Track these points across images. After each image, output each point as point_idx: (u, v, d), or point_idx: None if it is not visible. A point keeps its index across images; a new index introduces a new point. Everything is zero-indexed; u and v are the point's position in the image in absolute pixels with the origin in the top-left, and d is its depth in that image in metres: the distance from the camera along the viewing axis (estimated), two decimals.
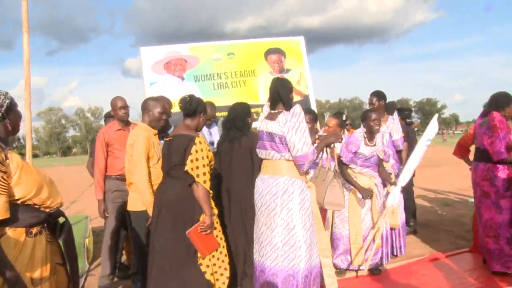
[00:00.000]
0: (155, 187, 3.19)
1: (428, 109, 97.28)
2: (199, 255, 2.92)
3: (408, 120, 5.84)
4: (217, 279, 3.00)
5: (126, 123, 3.93)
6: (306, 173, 3.19)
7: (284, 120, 2.97)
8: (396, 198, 3.97)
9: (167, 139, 3.10)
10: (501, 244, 3.74)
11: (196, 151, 2.90)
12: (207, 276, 2.92)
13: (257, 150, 3.19)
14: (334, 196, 3.23)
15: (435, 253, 4.48)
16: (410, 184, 5.61)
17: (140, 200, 3.24)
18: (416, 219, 5.56)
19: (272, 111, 3.12)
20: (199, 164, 2.89)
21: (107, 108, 4.23)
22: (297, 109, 2.99)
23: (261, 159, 3.21)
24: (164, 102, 3.99)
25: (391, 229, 4.34)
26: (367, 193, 3.90)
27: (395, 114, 5.03)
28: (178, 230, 2.92)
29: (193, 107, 3.06)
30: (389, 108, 5.80)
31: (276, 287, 2.96)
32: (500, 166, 3.75)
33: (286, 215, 2.96)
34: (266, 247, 3.03)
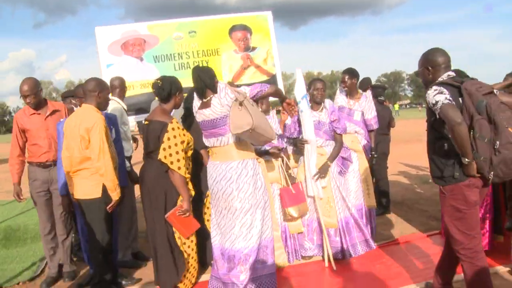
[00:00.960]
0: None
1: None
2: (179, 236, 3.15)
3: (379, 98, 5.57)
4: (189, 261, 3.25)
5: (38, 105, 3.55)
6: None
7: (218, 101, 2.97)
8: (315, 187, 3.69)
9: (145, 122, 3.20)
10: None
11: (169, 139, 2.98)
12: (185, 255, 3.19)
13: (204, 140, 3.14)
14: (238, 118, 2.91)
15: (403, 236, 4.33)
16: (383, 164, 5.43)
17: (90, 186, 3.07)
18: (389, 199, 5.40)
19: (204, 100, 3.04)
20: (172, 151, 2.98)
21: None
22: (221, 85, 3.03)
23: (208, 147, 3.18)
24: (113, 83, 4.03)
25: (370, 208, 4.24)
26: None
27: (369, 92, 4.77)
28: (159, 210, 3.11)
29: (167, 91, 3.09)
30: (363, 84, 5.56)
31: (235, 267, 3.00)
32: None
33: (243, 198, 2.99)
34: (226, 230, 3.05)
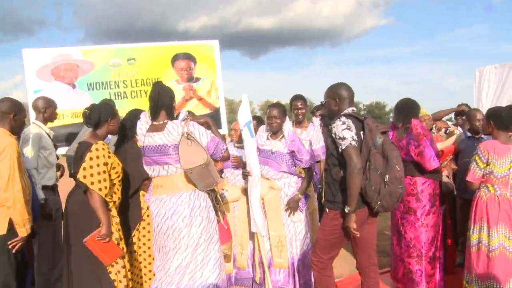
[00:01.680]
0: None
1: (377, 112, 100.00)
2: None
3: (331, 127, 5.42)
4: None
5: None
6: None
7: (176, 128, 2.71)
8: (258, 223, 3.36)
9: (76, 146, 3.01)
10: (424, 264, 3.43)
11: (91, 158, 2.78)
12: (116, 284, 2.83)
13: (146, 168, 2.81)
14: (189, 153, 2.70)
15: (354, 274, 4.07)
16: None
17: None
18: None
19: (155, 123, 2.77)
20: (93, 171, 2.77)
21: None
22: (183, 114, 2.81)
23: (150, 179, 2.88)
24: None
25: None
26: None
27: (316, 120, 4.60)
28: (81, 239, 2.80)
29: (94, 120, 2.93)
30: (315, 111, 5.39)
31: None
32: (427, 180, 3.43)
33: (196, 233, 2.71)
34: (175, 271, 2.72)
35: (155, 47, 4.83)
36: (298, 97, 4.29)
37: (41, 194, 3.41)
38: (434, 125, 4.71)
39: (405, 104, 3.56)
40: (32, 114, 3.81)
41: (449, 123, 5.65)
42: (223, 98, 4.97)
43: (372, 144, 2.64)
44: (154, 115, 2.77)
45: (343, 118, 2.68)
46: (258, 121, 4.04)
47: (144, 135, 2.76)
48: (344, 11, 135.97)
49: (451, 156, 3.56)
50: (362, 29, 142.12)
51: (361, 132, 2.70)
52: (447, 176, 4.13)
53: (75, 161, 2.90)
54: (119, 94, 4.47)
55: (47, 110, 3.67)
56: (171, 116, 2.80)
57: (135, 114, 3.18)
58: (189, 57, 4.84)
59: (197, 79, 4.86)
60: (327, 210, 2.82)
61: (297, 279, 3.47)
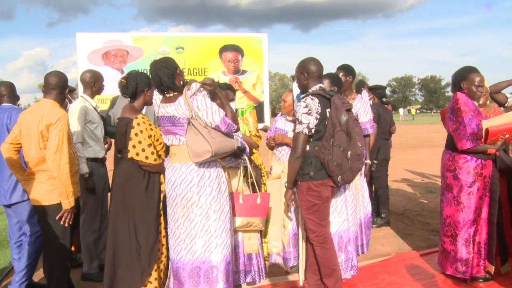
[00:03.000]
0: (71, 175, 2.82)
1: (432, 86, 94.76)
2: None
3: (384, 100, 5.16)
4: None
5: None
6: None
7: (185, 101, 2.68)
8: None
9: (117, 120, 3.01)
10: (458, 246, 3.22)
11: (136, 134, 2.80)
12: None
13: (163, 137, 2.87)
14: (196, 145, 2.66)
15: (402, 253, 4.00)
16: (383, 171, 5.09)
17: (46, 192, 2.79)
18: (389, 210, 5.04)
19: (167, 95, 2.79)
20: (143, 146, 2.80)
21: None
22: (194, 88, 2.71)
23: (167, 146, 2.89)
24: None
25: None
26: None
27: (364, 92, 4.42)
28: (127, 213, 2.83)
29: (132, 90, 2.92)
30: (358, 86, 5.20)
31: (198, 281, 2.69)
32: (468, 157, 3.17)
33: (205, 203, 2.69)
34: (184, 240, 2.72)
35: (203, 37, 4.83)
36: (339, 67, 4.02)
37: (85, 169, 3.38)
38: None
39: (455, 74, 3.30)
40: (80, 88, 3.80)
41: (509, 95, 5.21)
42: (268, 93, 4.89)
43: (337, 122, 2.74)
44: (161, 91, 2.79)
45: (308, 100, 2.78)
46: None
47: (158, 106, 2.80)
48: None
49: (507, 135, 3.23)
50: None
51: (327, 110, 2.79)
52: (504, 150, 3.80)
53: (118, 137, 2.91)
54: None
55: (95, 84, 3.61)
56: (176, 90, 2.75)
57: None
58: (237, 49, 4.79)
59: (244, 72, 4.82)
60: (298, 184, 2.89)
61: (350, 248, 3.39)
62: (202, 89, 2.71)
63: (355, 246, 3.53)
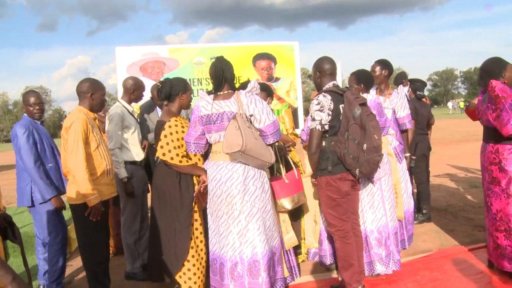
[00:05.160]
0: (96, 176, 2.91)
1: (476, 79, 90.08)
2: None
3: (418, 93, 4.93)
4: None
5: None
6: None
7: (244, 98, 2.73)
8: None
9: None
10: None
11: (165, 136, 2.86)
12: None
13: (207, 136, 2.84)
14: (232, 137, 2.64)
15: (444, 249, 3.81)
16: (423, 166, 4.88)
17: (74, 191, 2.86)
18: (430, 205, 4.83)
19: (221, 92, 2.80)
20: (170, 147, 2.85)
21: None
22: (252, 84, 2.81)
23: (211, 145, 2.89)
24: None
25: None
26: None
27: (400, 87, 4.26)
28: (166, 211, 2.95)
29: (166, 93, 3.01)
30: (398, 78, 5.03)
31: (242, 275, 2.72)
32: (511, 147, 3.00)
33: (249, 201, 2.71)
34: (227, 237, 2.74)
35: (237, 46, 4.90)
36: (375, 62, 3.88)
37: (123, 173, 3.41)
38: None
39: (486, 64, 3.15)
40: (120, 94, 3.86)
41: None
42: (301, 99, 4.88)
43: (351, 116, 2.75)
44: (218, 88, 2.79)
45: (320, 97, 2.80)
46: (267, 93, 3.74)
47: (211, 103, 2.76)
48: None
49: None
50: None
51: (341, 106, 2.81)
52: None
53: (155, 139, 3.00)
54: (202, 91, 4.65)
55: (135, 92, 3.66)
56: (234, 88, 2.82)
57: None
58: (269, 57, 4.82)
59: (277, 79, 4.83)
60: (317, 179, 2.90)
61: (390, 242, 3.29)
62: (257, 88, 2.78)
63: (395, 241, 3.42)
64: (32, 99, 3.37)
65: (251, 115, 2.70)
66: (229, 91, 2.79)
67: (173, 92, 3.03)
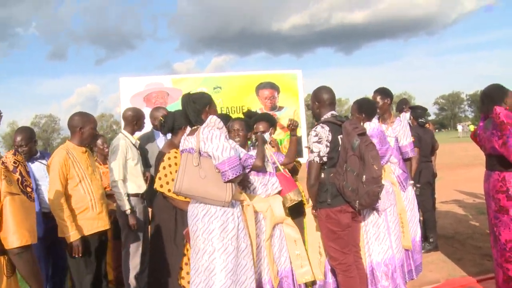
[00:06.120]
0: (78, 211, 2.86)
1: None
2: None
3: (420, 120, 4.92)
4: None
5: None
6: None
7: (201, 133, 2.61)
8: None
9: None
10: None
11: (164, 168, 2.88)
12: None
13: None
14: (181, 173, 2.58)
15: (452, 279, 3.72)
16: (427, 194, 4.83)
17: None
18: (436, 234, 4.75)
19: (192, 128, 2.75)
20: (168, 179, 2.87)
21: None
22: (212, 119, 2.64)
23: None
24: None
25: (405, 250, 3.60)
26: None
27: (403, 114, 4.24)
28: (161, 242, 3.02)
29: (169, 126, 3.06)
30: (400, 105, 5.03)
31: None
32: None
33: (207, 239, 2.57)
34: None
35: (240, 76, 4.94)
36: (375, 91, 3.85)
37: (125, 205, 3.36)
38: None
39: (488, 91, 3.16)
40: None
41: None
42: (305, 128, 4.81)
43: (350, 147, 2.71)
44: (188, 122, 2.76)
45: (318, 128, 2.79)
46: (270, 124, 3.64)
47: (185, 139, 2.74)
48: None
49: None
50: (460, 13, 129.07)
51: (339, 137, 2.79)
52: None
53: (155, 170, 2.99)
54: None
55: (138, 122, 3.68)
56: (199, 122, 2.71)
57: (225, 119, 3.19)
58: (273, 86, 4.83)
59: (280, 108, 4.83)
60: (317, 212, 2.88)
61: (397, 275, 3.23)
62: (222, 125, 2.64)
63: (401, 273, 3.36)
64: (18, 138, 3.30)
65: (206, 152, 2.58)
66: (199, 126, 2.70)
67: (175, 126, 3.06)
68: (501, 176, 3.03)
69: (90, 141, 3.13)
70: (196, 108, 2.69)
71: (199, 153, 2.59)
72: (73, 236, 2.79)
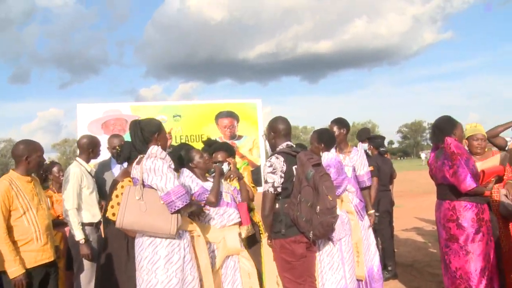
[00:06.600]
0: (21, 243, 2.73)
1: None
2: None
3: (382, 149, 5.04)
4: None
5: None
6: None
7: (143, 165, 2.53)
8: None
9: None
10: None
11: (117, 196, 2.80)
12: None
13: None
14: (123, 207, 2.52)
15: None
16: (386, 223, 4.91)
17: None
18: (395, 262, 4.79)
19: (140, 156, 2.66)
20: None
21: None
22: (153, 149, 2.55)
23: None
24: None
25: (358, 280, 3.61)
26: None
27: (360, 144, 4.34)
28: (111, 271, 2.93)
29: (124, 156, 2.98)
30: (361, 135, 5.15)
31: None
32: (468, 204, 3.04)
33: (151, 269, 2.49)
34: None
35: (199, 104, 4.96)
36: (332, 121, 3.91)
37: (79, 235, 3.26)
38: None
39: (438, 122, 3.27)
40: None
41: (508, 139, 5.05)
42: (264, 157, 4.85)
43: (304, 177, 2.71)
44: (139, 153, 2.67)
45: (273, 159, 2.80)
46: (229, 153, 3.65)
47: (134, 167, 2.66)
48: (401, 29, 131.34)
49: (495, 178, 3.14)
50: (420, 45, 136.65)
51: (294, 167, 2.79)
52: (506, 196, 3.66)
53: (107, 199, 2.96)
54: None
55: (94, 150, 3.61)
56: (142, 151, 2.63)
57: (186, 148, 3.20)
58: (232, 115, 4.88)
59: (240, 137, 4.88)
60: (272, 242, 2.88)
61: None
62: (164, 155, 2.58)
63: None
64: None
65: (149, 184, 2.51)
66: (142, 155, 2.61)
67: (132, 155, 2.97)
68: (452, 205, 3.12)
69: (38, 170, 3.02)
70: (144, 136, 2.63)
71: (143, 184, 2.52)
72: (16, 271, 2.67)
